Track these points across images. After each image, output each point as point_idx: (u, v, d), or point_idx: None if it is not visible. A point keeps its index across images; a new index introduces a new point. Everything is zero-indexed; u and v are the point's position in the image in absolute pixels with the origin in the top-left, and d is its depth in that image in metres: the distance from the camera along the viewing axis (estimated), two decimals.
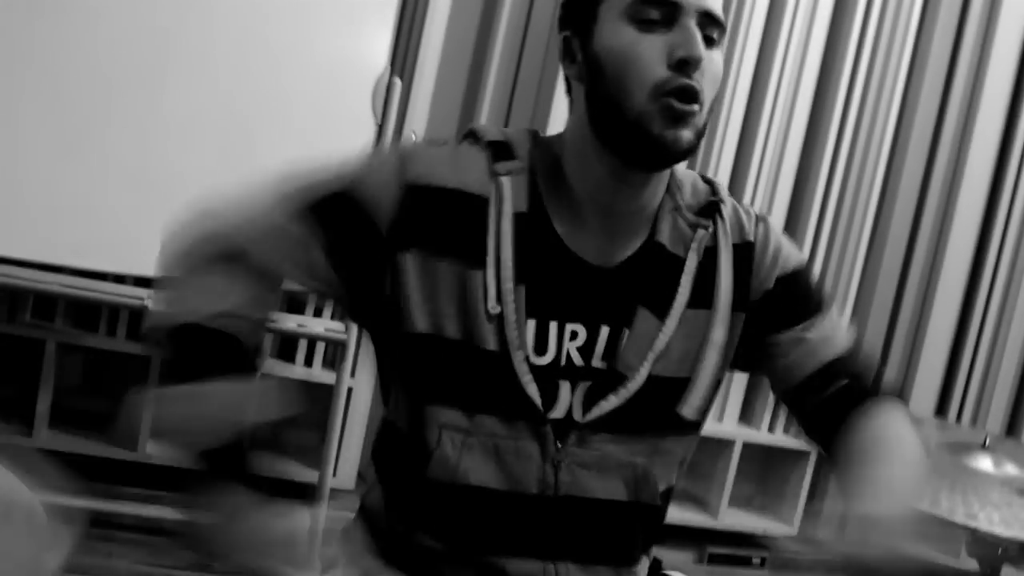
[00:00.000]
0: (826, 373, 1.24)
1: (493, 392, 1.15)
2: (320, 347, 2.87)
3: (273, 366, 2.83)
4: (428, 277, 1.12)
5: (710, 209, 1.24)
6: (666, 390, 1.21)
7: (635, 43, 1.10)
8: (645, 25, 1.10)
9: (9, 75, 2.31)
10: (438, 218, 1.13)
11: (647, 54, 1.09)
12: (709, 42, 1.12)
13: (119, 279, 2.48)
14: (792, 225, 3.06)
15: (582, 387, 1.17)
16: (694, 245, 1.22)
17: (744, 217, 1.27)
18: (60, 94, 2.33)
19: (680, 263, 1.21)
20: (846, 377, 1.24)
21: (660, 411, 1.21)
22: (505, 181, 1.15)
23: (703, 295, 1.22)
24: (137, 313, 2.26)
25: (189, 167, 2.33)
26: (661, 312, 1.19)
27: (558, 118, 2.76)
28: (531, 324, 1.15)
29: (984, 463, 1.78)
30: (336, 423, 2.60)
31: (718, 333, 1.22)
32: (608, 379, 1.18)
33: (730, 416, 3.11)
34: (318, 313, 2.79)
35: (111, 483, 2.73)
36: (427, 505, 1.18)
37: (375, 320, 1.18)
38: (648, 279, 1.20)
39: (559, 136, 1.22)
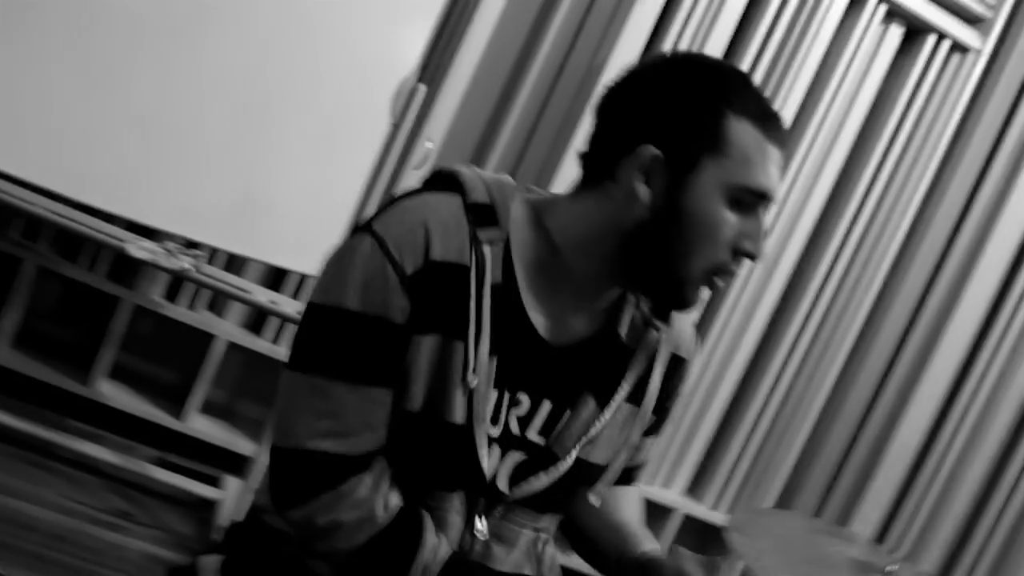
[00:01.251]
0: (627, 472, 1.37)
1: (446, 464, 1.15)
2: (290, 327, 2.89)
3: (241, 336, 2.85)
4: (413, 352, 1.12)
5: (665, 312, 1.28)
6: (585, 475, 1.24)
7: (723, 224, 1.12)
8: (735, 206, 1.13)
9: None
10: (430, 295, 1.11)
11: (727, 239, 1.13)
12: None
13: (109, 218, 2.51)
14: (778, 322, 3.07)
15: (513, 457, 1.19)
16: (645, 343, 1.26)
17: (689, 332, 1.33)
18: (94, 24, 2.36)
19: (630, 356, 1.25)
20: (628, 477, 1.38)
21: (575, 494, 1.26)
22: (486, 250, 1.13)
23: (637, 392, 1.26)
24: (119, 254, 2.28)
25: (203, 125, 2.35)
26: (603, 400, 1.22)
27: (569, 166, 2.78)
28: (492, 395, 1.16)
29: None
30: None
31: (637, 431, 1.28)
32: (541, 456, 1.20)
33: (677, 486, 3.11)
34: (295, 295, 2.82)
35: (59, 414, 2.76)
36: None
37: None
38: (598, 366, 1.23)
39: (552, 204, 1.21)
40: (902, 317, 3.10)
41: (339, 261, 1.12)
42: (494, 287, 1.14)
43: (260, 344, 2.85)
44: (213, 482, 2.75)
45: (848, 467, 3.13)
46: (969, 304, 3.08)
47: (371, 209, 2.55)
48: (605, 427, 1.23)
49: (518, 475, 1.19)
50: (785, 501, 3.14)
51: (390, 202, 1.15)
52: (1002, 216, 3.05)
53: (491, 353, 1.14)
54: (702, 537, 3.20)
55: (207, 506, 2.69)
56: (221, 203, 2.36)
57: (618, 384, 1.23)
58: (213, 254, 2.60)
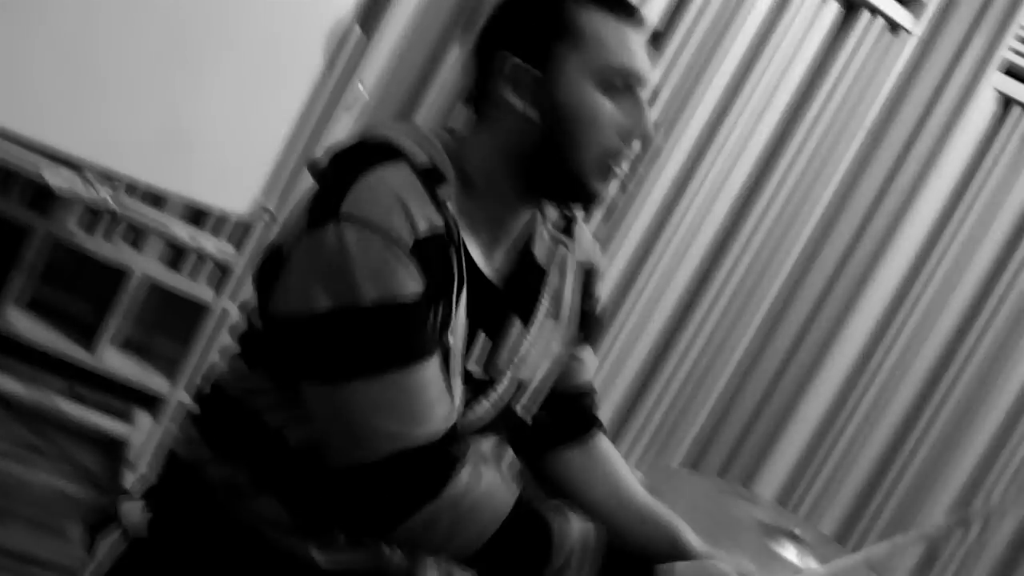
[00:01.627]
0: (575, 393, 1.40)
1: None
2: (208, 264, 2.84)
3: (159, 272, 2.80)
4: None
5: (567, 225, 1.33)
6: (516, 392, 1.28)
7: (600, 108, 1.15)
8: (614, 91, 1.16)
9: None
10: (426, 265, 1.08)
11: (611, 122, 1.15)
12: None
13: (27, 146, 2.43)
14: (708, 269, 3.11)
15: (462, 396, 1.20)
16: (556, 260, 1.30)
17: (590, 240, 1.38)
18: None
19: (544, 275, 1.29)
20: (586, 403, 1.41)
21: (508, 412, 1.28)
22: (450, 207, 1.13)
23: (555, 307, 1.30)
24: (36, 183, 2.22)
25: (129, 54, 2.28)
26: (527, 320, 1.26)
27: None
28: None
29: (789, 551, 1.83)
30: (203, 341, 2.59)
31: (556, 344, 1.32)
32: (482, 385, 1.22)
33: None
34: (215, 231, 2.78)
35: None
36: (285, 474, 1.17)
37: None
38: (521, 289, 1.26)
39: (461, 145, 1.21)
40: (818, 285, 3.16)
41: (328, 262, 1.06)
42: (462, 242, 1.16)
43: (178, 281, 2.81)
44: (124, 418, 2.71)
45: (756, 428, 3.21)
46: (884, 275, 3.15)
47: (298, 150, 2.51)
48: (532, 344, 1.26)
49: (464, 409, 1.20)
50: (693, 460, 3.21)
51: (338, 185, 1.09)
52: (920, 198, 3.12)
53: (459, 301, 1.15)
54: None
55: (117, 443, 2.65)
56: (144, 136, 2.30)
57: (538, 302, 1.27)
58: (133, 187, 2.54)
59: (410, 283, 1.06)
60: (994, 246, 3.17)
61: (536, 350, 1.28)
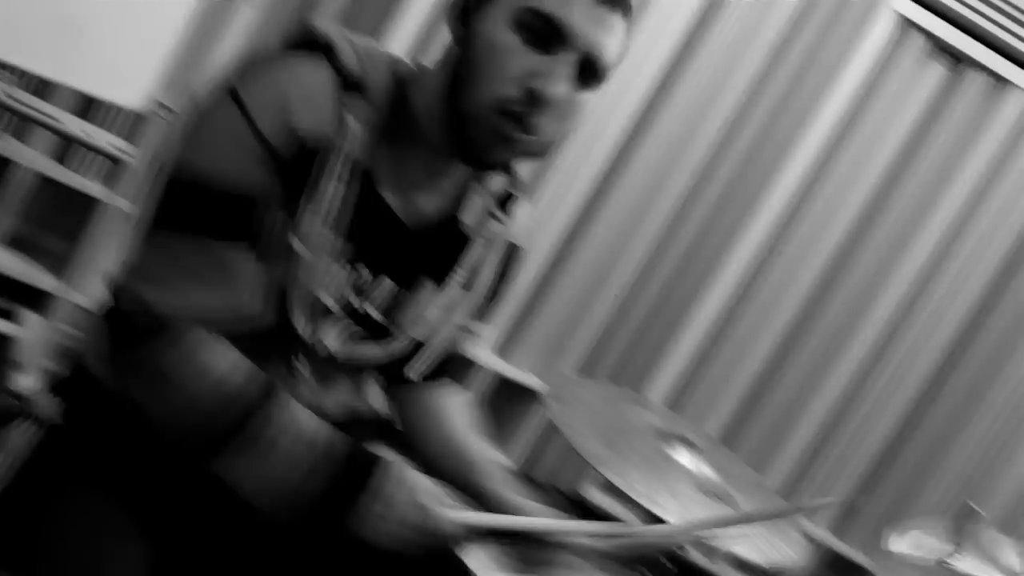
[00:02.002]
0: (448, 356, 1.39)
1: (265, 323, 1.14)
2: (99, 159, 2.75)
3: (47, 166, 2.69)
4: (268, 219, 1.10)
5: (508, 201, 1.31)
6: (414, 353, 1.29)
7: (507, 50, 1.08)
8: (528, 37, 1.08)
9: None
10: (288, 165, 1.08)
11: (511, 67, 1.07)
12: (585, 83, 1.12)
13: None
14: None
15: (346, 327, 1.20)
16: (485, 234, 1.28)
17: (526, 224, 1.37)
18: None
19: (468, 244, 1.27)
20: (451, 364, 1.40)
21: (396, 369, 1.30)
22: (352, 124, 1.10)
23: (471, 279, 1.30)
24: None
25: None
26: (440, 284, 1.26)
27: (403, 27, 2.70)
28: (334, 268, 1.15)
29: (683, 457, 1.90)
30: (94, 238, 2.52)
31: (464, 314, 1.33)
32: (375, 330, 1.22)
33: (489, 345, 3.18)
34: (107, 126, 2.68)
35: None
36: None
37: None
38: (440, 250, 1.25)
39: (417, 78, 1.18)
40: (712, 198, 3.21)
41: (196, 124, 1.07)
42: (355, 162, 1.12)
43: (67, 175, 2.71)
44: (10, 318, 2.63)
45: (648, 336, 3.28)
46: (782, 181, 3.21)
47: (195, 43, 2.43)
48: (441, 311, 1.27)
49: (349, 343, 1.21)
50: (589, 366, 3.27)
51: (253, 62, 1.10)
52: (811, 124, 3.18)
53: (338, 228, 1.13)
54: (509, 397, 3.32)
55: (3, 341, 2.58)
56: (31, 22, 2.18)
57: (454, 269, 1.27)
58: (22, 77, 2.42)
59: (251, 183, 1.06)
60: (885, 161, 3.27)
61: (441, 317, 1.28)
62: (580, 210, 3.12)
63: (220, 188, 1.05)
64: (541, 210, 3.03)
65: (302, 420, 1.09)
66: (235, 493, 1.09)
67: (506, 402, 3.25)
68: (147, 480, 1.17)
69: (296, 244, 1.10)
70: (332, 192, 1.10)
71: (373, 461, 1.11)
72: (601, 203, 3.12)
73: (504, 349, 3.21)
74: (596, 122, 3.01)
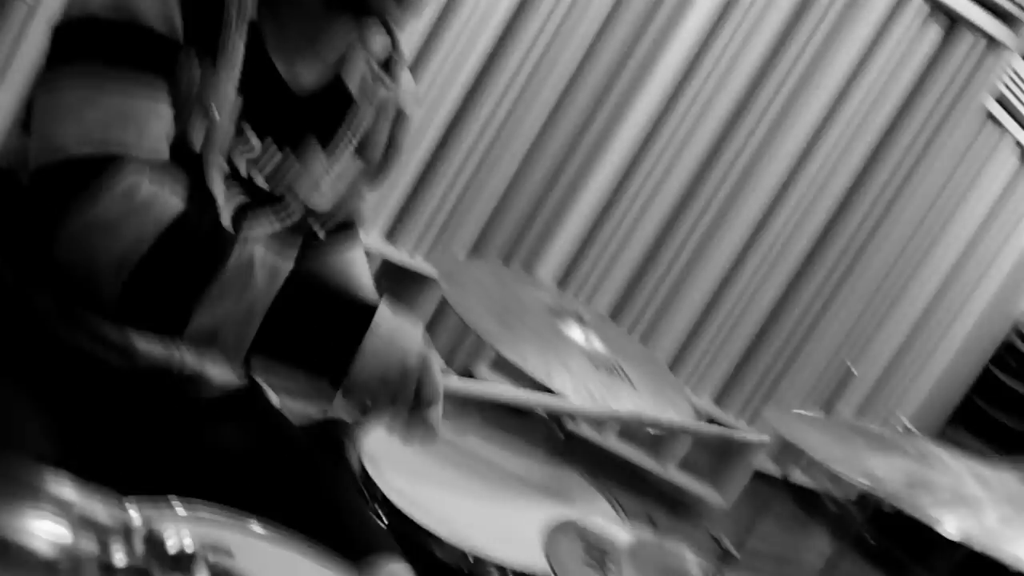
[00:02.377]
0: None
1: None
2: None
3: None
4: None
5: (388, 64, 1.28)
6: (311, 221, 1.27)
7: None
8: None
9: None
10: (193, 16, 1.05)
11: None
12: None
13: None
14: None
15: (236, 198, 1.17)
16: (373, 98, 1.26)
17: (412, 88, 1.36)
18: None
19: (353, 104, 1.24)
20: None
21: (299, 228, 1.27)
22: None
23: (363, 145, 1.28)
24: None
25: None
26: (331, 152, 1.23)
27: None
28: (231, 133, 1.13)
29: (575, 333, 1.93)
30: None
31: (357, 182, 1.32)
32: (268, 202, 1.19)
33: (377, 229, 3.14)
34: None
35: None
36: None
37: None
38: (328, 116, 1.22)
39: None
40: (599, 78, 3.20)
41: None
42: (251, 23, 1.10)
43: None
44: None
45: (539, 215, 3.29)
46: (666, 59, 3.22)
47: None
48: (333, 177, 1.25)
49: (239, 216, 1.17)
50: (478, 248, 3.28)
51: None
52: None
53: (238, 91, 1.11)
54: (398, 282, 3.30)
55: None
56: None
57: (344, 136, 1.24)
58: None
59: (170, 18, 1.04)
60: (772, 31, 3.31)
61: (336, 184, 1.27)
62: (466, 89, 3.07)
63: (145, 23, 1.02)
64: (426, 89, 2.97)
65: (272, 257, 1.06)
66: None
67: (395, 287, 3.24)
68: (45, 358, 1.15)
69: (213, 111, 1.08)
70: (239, 54, 1.09)
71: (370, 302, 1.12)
72: (487, 82, 3.08)
73: (392, 233, 3.18)
74: None
